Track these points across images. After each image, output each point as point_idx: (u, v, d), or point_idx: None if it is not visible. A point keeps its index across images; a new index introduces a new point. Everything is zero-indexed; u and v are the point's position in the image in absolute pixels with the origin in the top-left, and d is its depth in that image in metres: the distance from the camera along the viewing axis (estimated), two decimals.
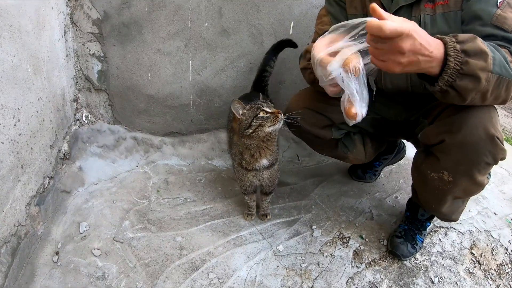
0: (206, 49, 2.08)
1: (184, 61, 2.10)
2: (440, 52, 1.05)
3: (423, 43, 1.00)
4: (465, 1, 1.29)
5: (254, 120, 1.48)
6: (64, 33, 1.89)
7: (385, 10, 1.41)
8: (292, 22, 2.09)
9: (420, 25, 1.33)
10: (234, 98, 1.52)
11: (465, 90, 1.09)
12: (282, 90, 2.24)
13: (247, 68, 2.14)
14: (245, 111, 1.51)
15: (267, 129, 1.50)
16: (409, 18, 1.37)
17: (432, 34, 1.29)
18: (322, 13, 1.67)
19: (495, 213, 1.99)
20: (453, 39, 1.06)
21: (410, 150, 2.15)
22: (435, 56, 1.03)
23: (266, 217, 1.86)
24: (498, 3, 1.22)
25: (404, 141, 2.16)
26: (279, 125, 1.50)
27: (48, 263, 1.54)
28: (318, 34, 1.65)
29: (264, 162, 1.63)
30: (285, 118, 1.51)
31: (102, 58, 2.05)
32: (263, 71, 2.02)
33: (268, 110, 1.49)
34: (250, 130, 1.50)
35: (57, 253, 1.59)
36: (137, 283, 1.50)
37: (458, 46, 1.04)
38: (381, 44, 0.99)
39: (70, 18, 1.93)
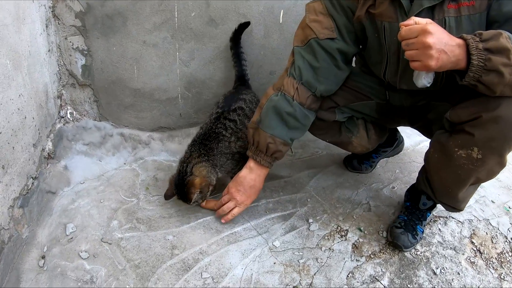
0: (194, 39, 2.02)
1: (171, 53, 2.03)
2: (464, 50, 1.14)
3: (445, 36, 1.14)
4: (494, 1, 1.26)
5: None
6: (46, 27, 1.82)
7: (405, 12, 1.37)
8: (282, 10, 2.03)
9: (445, 28, 1.31)
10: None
11: (492, 84, 1.16)
12: (273, 80, 2.18)
13: None
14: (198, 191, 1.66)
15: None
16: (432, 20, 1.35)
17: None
18: (318, 9, 1.51)
19: (492, 201, 1.99)
20: (477, 38, 1.13)
21: (408, 142, 2.20)
22: (460, 51, 1.14)
23: None
24: None
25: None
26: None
27: (34, 268, 1.48)
28: (312, 31, 1.50)
29: None
30: None
31: (86, 52, 1.98)
32: (241, 65, 2.01)
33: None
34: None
35: (43, 257, 1.53)
36: (127, 286, 1.44)
37: (480, 45, 1.12)
38: (412, 45, 1.15)
39: (52, 11, 1.85)
